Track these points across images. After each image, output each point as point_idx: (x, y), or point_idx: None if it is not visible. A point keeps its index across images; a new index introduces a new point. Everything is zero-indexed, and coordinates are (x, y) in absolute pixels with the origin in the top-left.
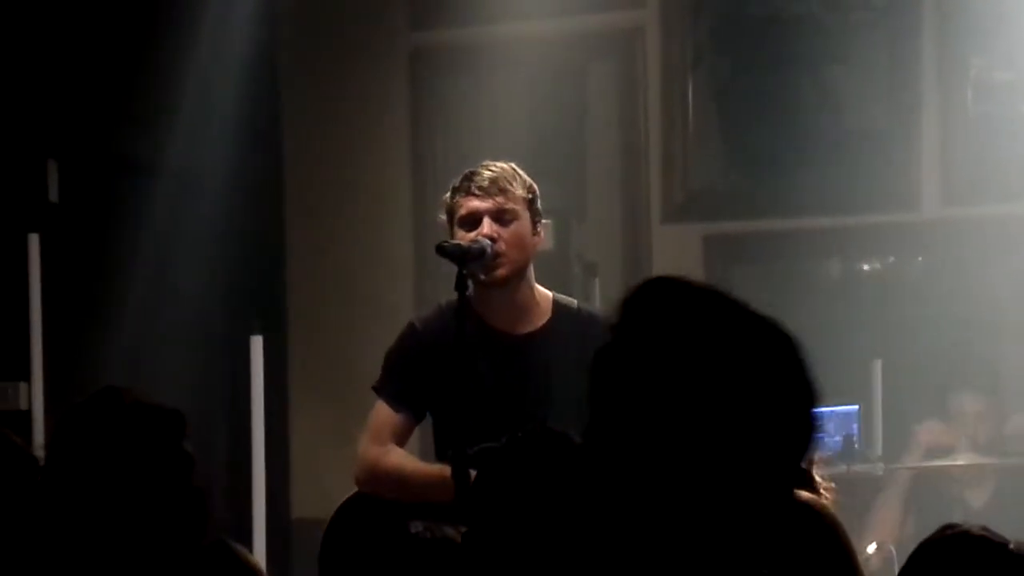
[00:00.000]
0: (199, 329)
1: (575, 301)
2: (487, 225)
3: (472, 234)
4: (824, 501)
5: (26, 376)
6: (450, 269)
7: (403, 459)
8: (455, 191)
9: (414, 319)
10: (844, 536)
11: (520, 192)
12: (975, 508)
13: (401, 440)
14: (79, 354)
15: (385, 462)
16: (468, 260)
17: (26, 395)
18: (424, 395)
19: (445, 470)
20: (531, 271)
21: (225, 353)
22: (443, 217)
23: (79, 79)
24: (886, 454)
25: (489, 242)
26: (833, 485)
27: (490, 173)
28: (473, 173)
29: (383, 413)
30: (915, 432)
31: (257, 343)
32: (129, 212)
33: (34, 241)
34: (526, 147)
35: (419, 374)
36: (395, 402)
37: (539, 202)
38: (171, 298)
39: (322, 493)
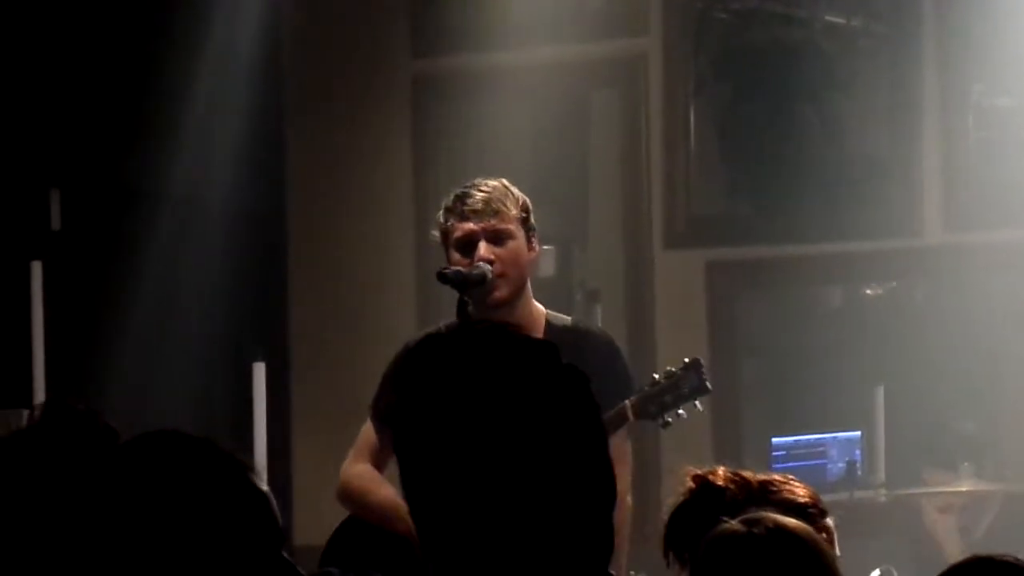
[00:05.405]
0: (201, 356)
1: (570, 318)
2: (483, 248)
3: (469, 259)
4: (808, 527)
5: (28, 403)
6: (452, 293)
7: (366, 481)
8: (448, 212)
9: (410, 340)
10: (830, 562)
11: (513, 211)
12: (976, 535)
13: (379, 460)
14: (81, 381)
15: (350, 482)
16: (469, 286)
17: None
18: None
19: (400, 503)
20: (528, 288)
21: (227, 380)
22: (436, 235)
23: (82, 108)
24: (889, 480)
25: (488, 266)
26: (829, 512)
27: (482, 194)
28: (465, 194)
29: (367, 432)
30: None
31: (259, 370)
32: (131, 240)
33: (37, 269)
34: (528, 174)
35: None
36: (378, 422)
37: (532, 217)
38: (173, 326)
39: (324, 520)
